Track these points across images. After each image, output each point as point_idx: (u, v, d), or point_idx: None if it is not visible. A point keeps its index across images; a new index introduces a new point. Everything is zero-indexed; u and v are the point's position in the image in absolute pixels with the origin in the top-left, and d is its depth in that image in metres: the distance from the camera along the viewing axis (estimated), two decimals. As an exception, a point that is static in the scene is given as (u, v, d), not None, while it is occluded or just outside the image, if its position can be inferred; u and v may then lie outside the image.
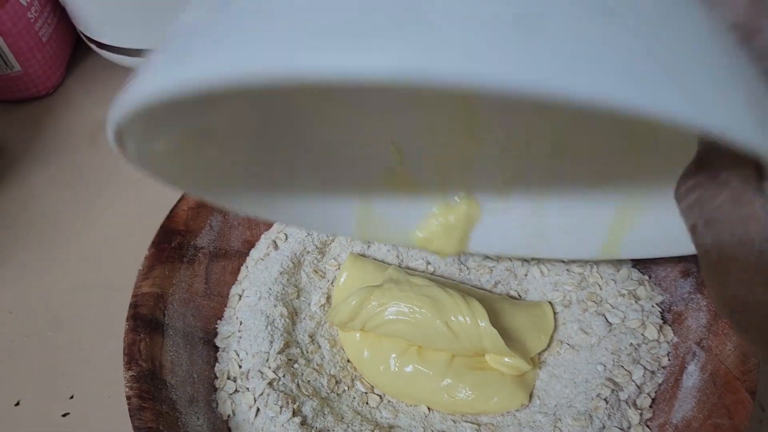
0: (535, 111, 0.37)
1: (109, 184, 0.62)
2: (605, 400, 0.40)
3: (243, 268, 0.49)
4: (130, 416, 0.37)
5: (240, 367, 0.43)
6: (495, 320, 0.42)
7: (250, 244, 0.50)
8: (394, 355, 0.44)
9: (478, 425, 0.42)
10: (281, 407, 0.41)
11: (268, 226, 0.50)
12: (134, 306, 0.42)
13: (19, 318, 0.53)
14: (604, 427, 0.39)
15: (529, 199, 0.41)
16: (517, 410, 0.42)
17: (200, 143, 0.32)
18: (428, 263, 0.49)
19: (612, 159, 0.38)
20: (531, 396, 0.43)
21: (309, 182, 0.39)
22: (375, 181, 0.42)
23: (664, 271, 0.44)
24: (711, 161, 0.22)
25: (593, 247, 0.41)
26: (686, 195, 0.23)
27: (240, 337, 0.45)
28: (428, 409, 0.44)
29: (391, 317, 0.43)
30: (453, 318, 0.42)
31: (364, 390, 0.45)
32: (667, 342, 0.42)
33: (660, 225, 0.37)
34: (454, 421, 0.43)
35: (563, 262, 0.47)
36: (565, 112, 0.36)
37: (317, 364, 0.45)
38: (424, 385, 0.43)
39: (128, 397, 0.38)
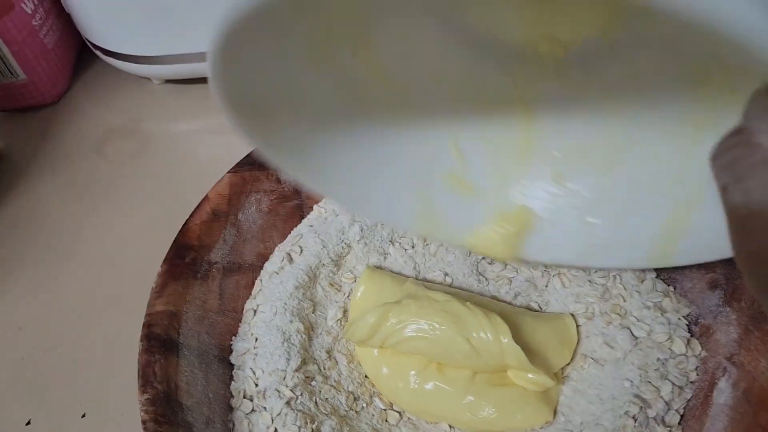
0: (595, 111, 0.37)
1: (117, 194, 0.61)
2: (633, 418, 0.39)
3: (257, 282, 0.48)
4: (147, 441, 0.36)
5: (256, 385, 0.42)
6: (517, 335, 0.41)
7: (264, 257, 0.48)
8: (413, 372, 0.43)
9: (502, 443, 0.41)
10: (300, 427, 0.40)
11: (282, 238, 0.49)
12: (148, 325, 0.41)
13: (28, 334, 0.52)
14: (632, 446, 0.38)
15: (582, 206, 0.41)
16: (541, 428, 0.41)
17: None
18: (446, 274, 0.48)
19: (670, 154, 0.37)
20: (555, 412, 0.42)
21: (381, 172, 0.42)
22: (438, 182, 0.43)
23: (690, 283, 0.43)
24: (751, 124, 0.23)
25: (646, 252, 0.40)
26: (721, 155, 0.24)
27: (256, 355, 0.43)
28: (449, 426, 0.43)
29: (410, 334, 0.42)
30: (474, 334, 0.41)
31: (383, 407, 0.44)
32: (696, 356, 0.41)
33: (713, 226, 0.36)
34: (477, 439, 0.42)
35: (585, 272, 0.46)
36: (624, 108, 0.35)
37: (335, 381, 0.44)
38: (445, 403, 0.42)
39: (144, 422, 0.37)
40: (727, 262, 0.41)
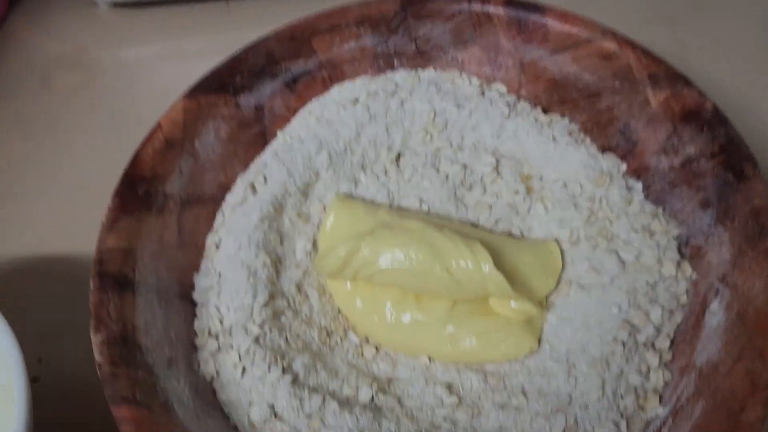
0: None
1: (65, 129, 0.56)
2: (622, 343, 0.37)
3: (218, 215, 0.44)
4: (103, 384, 0.34)
5: (222, 323, 0.39)
6: (498, 262, 0.39)
7: (225, 189, 0.45)
8: (389, 304, 0.41)
9: (484, 374, 0.39)
10: (269, 365, 0.37)
11: (244, 167, 0.46)
12: (99, 263, 0.37)
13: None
14: (621, 372, 0.36)
15: None
16: (525, 357, 0.39)
17: None
18: (422, 201, 0.45)
19: None
20: (539, 342, 0.40)
21: None
22: None
23: (680, 203, 0.41)
24: None
25: None
26: None
27: (220, 291, 0.40)
28: (429, 359, 0.40)
29: (385, 265, 0.39)
30: (454, 263, 0.39)
31: (357, 341, 0.42)
32: (686, 279, 0.39)
33: None
34: (458, 371, 0.40)
35: (569, 195, 0.43)
36: None
37: (306, 316, 0.42)
38: (424, 335, 0.40)
39: (99, 364, 0.34)
40: (719, 179, 0.38)
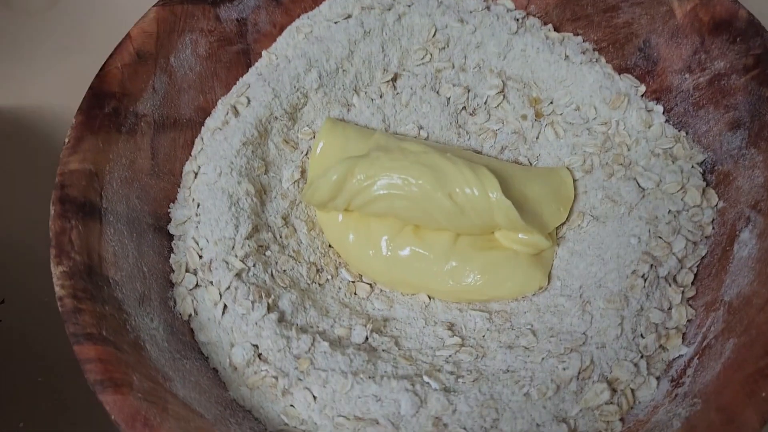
0: None
1: (31, 52, 0.51)
2: (642, 277, 0.33)
3: (197, 140, 0.40)
4: (64, 321, 0.30)
5: (200, 257, 0.36)
6: (506, 190, 0.35)
7: (205, 112, 0.41)
8: (385, 237, 0.37)
9: (489, 313, 0.36)
10: (253, 302, 0.34)
11: (226, 89, 0.41)
12: (61, 186, 0.33)
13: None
14: (642, 308, 0.33)
15: None
16: (534, 294, 0.36)
17: None
18: (420, 127, 0.41)
19: None
20: (549, 277, 0.36)
21: None
22: None
23: (706, 125, 0.37)
24: None
25: None
26: None
27: (198, 222, 0.37)
28: (429, 297, 0.37)
29: (381, 192, 0.36)
30: (458, 189, 0.35)
31: (350, 279, 0.38)
32: (711, 208, 0.35)
33: None
34: (460, 310, 0.36)
35: (582, 118, 0.39)
36: None
37: (293, 251, 0.38)
38: (423, 270, 0.36)
39: (60, 298, 0.30)
40: (753, 96, 0.35)
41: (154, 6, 0.39)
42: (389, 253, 0.37)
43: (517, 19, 0.42)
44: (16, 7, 0.54)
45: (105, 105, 0.36)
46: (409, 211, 0.36)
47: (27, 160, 0.47)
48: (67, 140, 0.34)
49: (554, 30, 0.42)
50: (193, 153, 0.40)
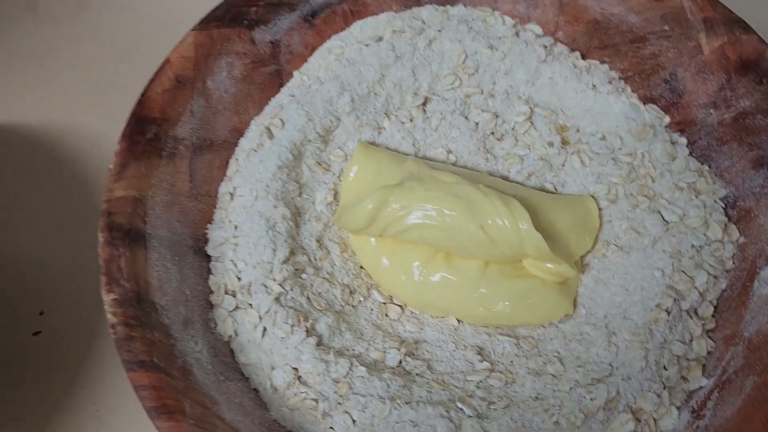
0: None
1: (57, 61, 0.52)
2: (666, 311, 0.35)
3: (232, 161, 0.41)
4: (117, 348, 0.31)
5: (239, 279, 0.37)
6: (535, 220, 0.36)
7: (239, 133, 0.42)
8: (418, 263, 0.38)
9: (517, 338, 0.37)
10: (292, 326, 0.35)
11: (259, 109, 0.42)
12: (108, 213, 0.34)
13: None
14: (665, 341, 0.34)
15: None
16: (560, 321, 0.38)
17: None
18: (449, 152, 0.42)
19: None
20: (575, 304, 0.38)
21: None
22: None
23: (729, 161, 0.38)
24: None
25: None
26: None
27: (236, 245, 0.38)
28: (458, 321, 0.39)
29: (415, 221, 0.37)
30: (490, 221, 0.36)
31: (382, 300, 0.39)
32: (732, 243, 0.37)
33: None
34: (489, 334, 0.38)
35: (608, 148, 0.41)
36: None
37: (328, 273, 0.39)
38: (454, 296, 0.38)
39: (112, 326, 0.31)
40: (778, 137, 0.36)
41: (191, 30, 0.40)
42: (421, 278, 0.38)
43: (546, 46, 0.43)
44: (43, 13, 0.54)
45: (147, 131, 0.37)
46: (442, 240, 0.37)
47: (53, 171, 0.48)
48: (111, 167, 0.35)
49: (581, 57, 0.43)
50: (228, 174, 0.41)
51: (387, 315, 0.39)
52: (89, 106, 0.50)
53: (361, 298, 0.39)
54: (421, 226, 0.37)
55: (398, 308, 0.39)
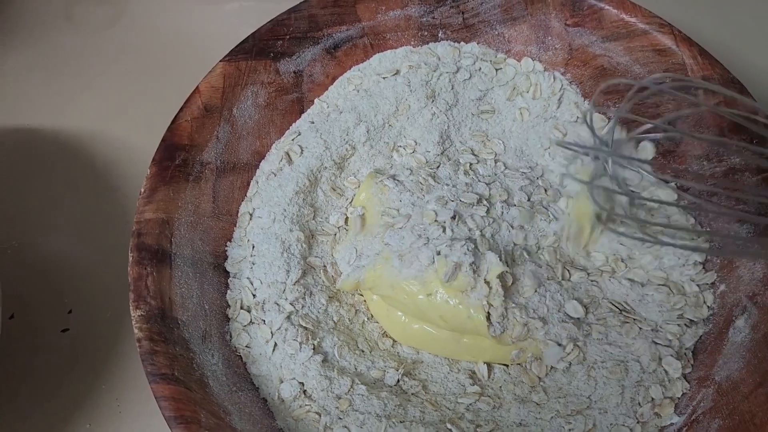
0: None
1: (93, 68, 0.55)
2: (644, 351, 0.38)
3: (252, 182, 0.44)
4: (142, 360, 0.35)
5: (254, 296, 0.40)
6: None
7: (260, 155, 0.45)
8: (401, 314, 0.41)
9: (507, 365, 0.40)
10: (300, 343, 0.39)
11: (279, 134, 0.45)
12: (138, 234, 0.37)
13: (4, 226, 0.49)
14: (641, 380, 0.37)
15: None
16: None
17: None
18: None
19: None
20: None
21: None
22: None
23: (717, 210, 0.41)
24: None
25: None
26: None
27: (253, 263, 0.41)
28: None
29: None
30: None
31: (383, 323, 0.43)
32: (712, 290, 0.39)
33: None
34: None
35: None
36: None
37: (334, 293, 0.42)
38: (440, 344, 0.41)
39: (138, 340, 0.35)
40: (763, 196, 0.38)
41: (220, 61, 0.43)
42: (408, 324, 0.41)
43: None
44: (79, 22, 0.57)
45: (176, 157, 0.40)
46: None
47: (85, 175, 0.51)
48: (142, 190, 0.39)
49: (584, 97, 0.46)
50: (248, 194, 0.44)
51: (387, 335, 0.42)
52: (121, 113, 0.52)
53: (365, 318, 0.42)
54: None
55: (398, 331, 0.42)
